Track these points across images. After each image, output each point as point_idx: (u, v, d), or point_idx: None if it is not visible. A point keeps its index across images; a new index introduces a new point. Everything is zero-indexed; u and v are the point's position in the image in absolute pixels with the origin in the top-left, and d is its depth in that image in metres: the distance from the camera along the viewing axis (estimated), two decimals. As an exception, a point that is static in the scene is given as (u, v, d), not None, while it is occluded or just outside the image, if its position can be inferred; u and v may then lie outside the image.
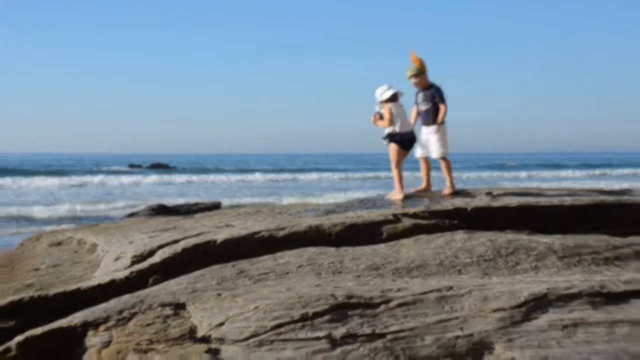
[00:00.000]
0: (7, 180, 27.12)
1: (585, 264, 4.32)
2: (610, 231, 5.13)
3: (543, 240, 4.67)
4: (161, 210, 13.97)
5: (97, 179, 29.57)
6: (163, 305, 3.50)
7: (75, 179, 29.11)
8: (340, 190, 25.10)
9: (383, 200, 6.32)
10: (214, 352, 3.01)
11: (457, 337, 3.07)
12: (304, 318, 3.18)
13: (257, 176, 35.20)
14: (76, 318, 3.38)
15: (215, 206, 14.90)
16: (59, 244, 6.10)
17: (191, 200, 18.24)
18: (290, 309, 3.25)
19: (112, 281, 4.21)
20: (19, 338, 3.28)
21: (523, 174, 43.17)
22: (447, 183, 6.49)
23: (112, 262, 4.80)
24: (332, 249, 4.58)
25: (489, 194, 6.19)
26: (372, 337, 3.06)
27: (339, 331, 3.09)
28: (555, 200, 5.68)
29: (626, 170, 46.15)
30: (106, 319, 3.35)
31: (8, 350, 3.22)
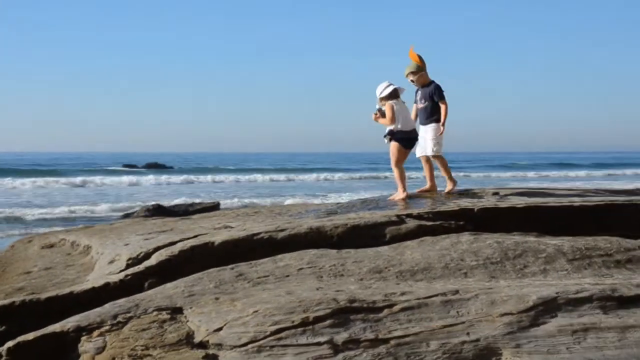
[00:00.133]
0: (-1, 180, 27.06)
1: (595, 266, 4.26)
2: (621, 232, 5.05)
3: (552, 242, 4.61)
4: (157, 211, 13.92)
5: (92, 178, 29.65)
6: (159, 309, 3.46)
7: (69, 179, 29.15)
8: (341, 190, 25.10)
9: (386, 200, 6.27)
10: (212, 358, 2.99)
11: (464, 343, 3.05)
12: (304, 323, 3.14)
13: (257, 176, 35.22)
14: (69, 323, 3.34)
15: (214, 207, 14.82)
16: (51, 246, 6.04)
17: (189, 200, 18.20)
18: (291, 314, 3.21)
19: (107, 284, 4.17)
20: (10, 343, 3.24)
21: (531, 173, 43.24)
22: (447, 180, 6.45)
23: (106, 264, 4.74)
24: (333, 251, 4.52)
25: (495, 194, 6.12)
26: (375, 342, 3.04)
27: (341, 336, 3.07)
28: (564, 201, 5.62)
29: (633, 170, 46.05)
30: (100, 324, 3.31)
31: (-2, 356, 3.19)
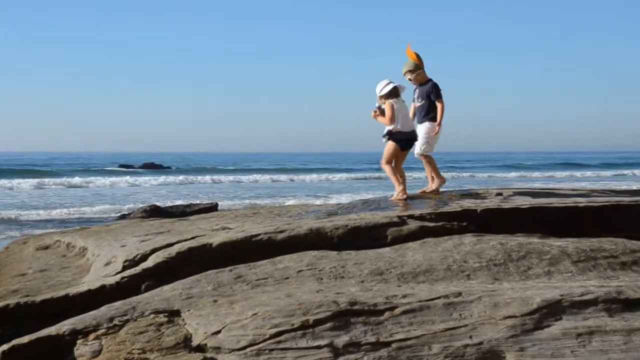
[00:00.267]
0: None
1: (600, 268, 4.24)
2: (627, 234, 5.03)
3: (556, 243, 4.58)
4: (154, 212, 13.86)
5: (88, 179, 29.61)
6: (156, 312, 3.43)
7: (65, 180, 29.07)
8: (342, 191, 25.08)
9: (387, 201, 6.23)
10: (210, 362, 2.98)
11: (466, 346, 3.05)
12: (304, 326, 3.13)
13: (256, 176, 35.21)
14: (65, 326, 3.32)
15: (212, 208, 14.76)
16: (46, 247, 5.98)
17: (186, 201, 18.15)
18: (290, 316, 3.19)
19: (103, 287, 4.14)
20: (5, 347, 3.22)
21: (536, 173, 43.23)
22: (429, 180, 6.48)
23: (102, 266, 4.71)
24: (333, 253, 4.49)
25: (499, 194, 6.08)
26: (377, 345, 3.03)
27: (342, 340, 3.06)
28: (568, 201, 5.58)
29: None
30: (96, 327, 3.29)
31: (-7, 359, 3.18)
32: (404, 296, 3.44)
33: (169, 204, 17.28)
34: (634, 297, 3.49)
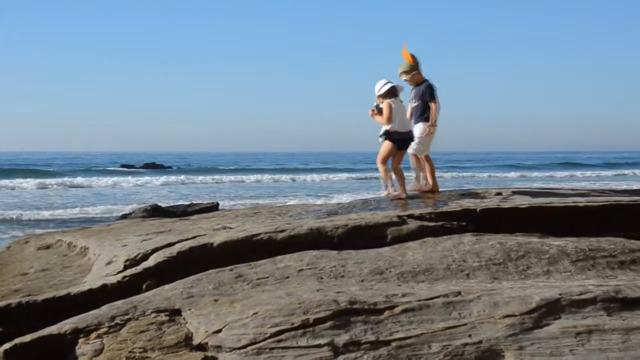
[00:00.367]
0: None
1: (599, 268, 4.24)
2: (625, 233, 5.03)
3: (555, 243, 4.59)
4: (155, 212, 13.85)
5: (89, 179, 29.57)
6: (157, 311, 3.43)
7: (66, 180, 29.01)
8: (343, 190, 25.04)
9: (387, 201, 6.22)
10: (211, 361, 2.97)
11: (465, 345, 3.04)
12: (304, 325, 3.13)
13: (257, 176, 35.15)
14: (66, 325, 3.32)
15: (213, 207, 14.75)
16: (47, 247, 5.99)
17: (187, 201, 18.14)
18: (291, 315, 3.19)
19: (104, 286, 4.14)
20: (7, 346, 3.22)
21: (536, 173, 43.11)
22: (414, 178, 6.53)
23: (104, 266, 4.71)
24: (334, 253, 4.50)
25: (498, 194, 6.09)
26: (376, 344, 3.03)
27: (342, 338, 3.05)
28: (568, 201, 5.59)
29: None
30: (98, 326, 3.28)
31: (-6, 358, 3.17)
32: (404, 295, 3.44)
33: (170, 203, 17.26)
34: (632, 296, 3.48)
